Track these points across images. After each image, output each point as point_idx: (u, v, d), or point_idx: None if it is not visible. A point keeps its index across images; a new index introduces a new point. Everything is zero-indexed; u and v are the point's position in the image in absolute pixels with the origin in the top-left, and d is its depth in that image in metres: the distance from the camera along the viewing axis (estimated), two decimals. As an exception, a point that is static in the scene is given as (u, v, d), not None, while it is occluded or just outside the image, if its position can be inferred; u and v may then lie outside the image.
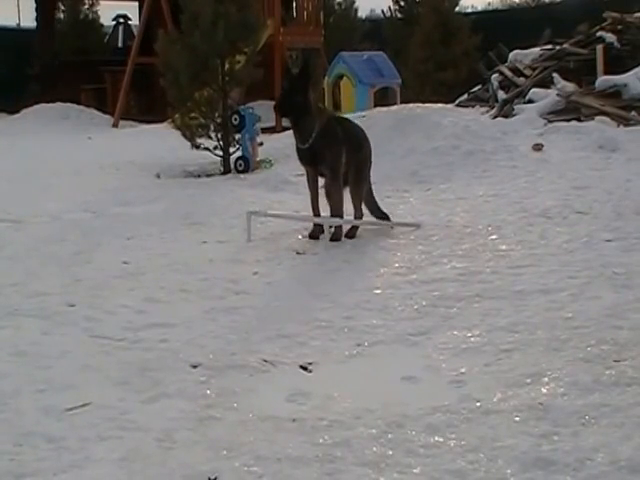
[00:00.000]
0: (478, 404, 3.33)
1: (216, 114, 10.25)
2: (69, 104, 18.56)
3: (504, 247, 5.80)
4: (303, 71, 6.41)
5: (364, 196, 6.57)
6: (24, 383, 3.65)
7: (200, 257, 5.86)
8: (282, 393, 3.54)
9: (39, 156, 11.94)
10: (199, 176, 9.94)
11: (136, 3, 20.63)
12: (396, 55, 17.46)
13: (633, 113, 9.89)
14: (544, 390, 3.43)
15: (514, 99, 11.05)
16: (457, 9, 20.27)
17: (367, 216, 6.64)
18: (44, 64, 19.97)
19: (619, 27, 11.69)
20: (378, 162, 9.07)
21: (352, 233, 6.38)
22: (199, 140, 10.24)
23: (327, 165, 6.35)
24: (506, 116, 10.61)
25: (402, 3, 23.78)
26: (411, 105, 11.14)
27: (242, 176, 9.60)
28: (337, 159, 6.39)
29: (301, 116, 6.32)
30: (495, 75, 12.12)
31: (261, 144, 10.61)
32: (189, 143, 10.30)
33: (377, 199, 6.72)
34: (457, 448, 2.99)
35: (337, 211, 6.35)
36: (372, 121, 10.29)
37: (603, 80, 10.56)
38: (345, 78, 15.02)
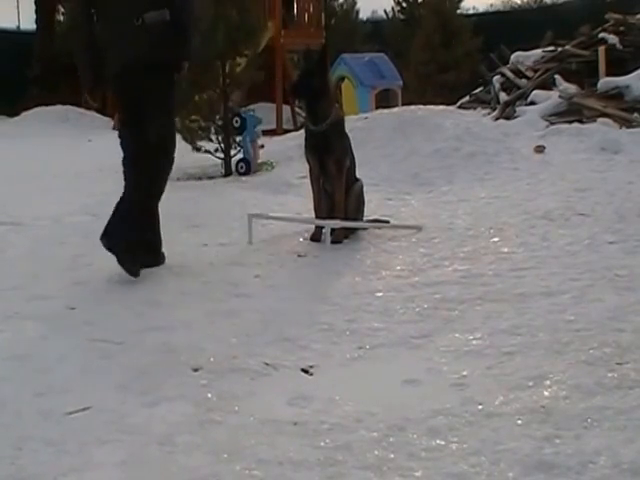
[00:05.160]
0: (480, 407, 3.32)
1: (217, 117, 10.26)
2: (69, 106, 18.58)
3: (506, 249, 5.79)
4: (323, 55, 6.42)
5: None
6: (24, 387, 3.64)
7: (201, 260, 5.85)
8: (283, 396, 3.52)
9: (39, 159, 11.95)
10: (200, 179, 9.94)
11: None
12: (397, 57, 17.51)
13: (635, 115, 9.88)
14: (546, 393, 3.42)
15: (516, 101, 11.04)
16: (459, 11, 20.31)
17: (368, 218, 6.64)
18: (44, 66, 19.99)
19: (621, 28, 11.68)
20: (379, 164, 9.11)
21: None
22: (200, 143, 10.25)
23: (335, 157, 6.29)
24: (508, 118, 10.61)
25: (404, 5, 23.82)
26: (412, 107, 11.14)
27: (243, 178, 9.60)
28: (345, 154, 6.36)
29: (318, 98, 6.29)
30: (497, 77, 12.12)
31: (262, 146, 10.61)
32: (190, 146, 10.31)
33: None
34: (459, 451, 2.97)
35: (339, 211, 6.33)
36: (373, 123, 10.31)
37: (605, 82, 10.55)
38: (346, 80, 15.04)
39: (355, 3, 26.03)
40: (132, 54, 5.29)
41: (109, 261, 5.75)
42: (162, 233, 6.68)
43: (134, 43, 5.27)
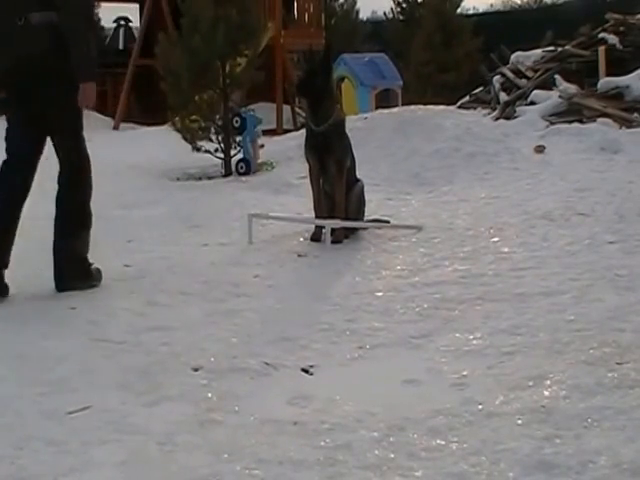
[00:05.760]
0: (480, 407, 3.32)
1: (217, 116, 10.26)
2: (70, 106, 18.54)
3: (506, 249, 5.79)
4: (326, 55, 6.42)
5: None
6: (24, 386, 3.64)
7: (201, 260, 5.85)
8: (283, 396, 3.53)
9: (40, 159, 11.92)
10: (200, 179, 9.93)
11: (137, 5, 20.64)
12: (398, 57, 17.49)
13: (635, 115, 9.87)
14: (546, 393, 3.42)
15: (516, 101, 11.03)
16: (459, 11, 20.30)
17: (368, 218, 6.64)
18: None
19: (621, 28, 11.66)
20: (380, 164, 9.11)
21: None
22: (200, 143, 10.25)
23: (336, 157, 6.30)
24: (508, 118, 10.59)
25: (404, 5, 23.80)
26: (413, 107, 11.13)
27: (243, 178, 9.59)
28: (346, 153, 6.37)
29: (321, 98, 6.30)
30: (497, 77, 12.10)
31: (262, 146, 10.61)
32: (190, 146, 10.31)
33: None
34: (459, 451, 2.97)
35: (340, 212, 6.32)
36: (374, 123, 10.30)
37: (605, 82, 10.54)
38: (346, 80, 15.03)
39: (355, 3, 25.99)
40: (14, 54, 4.97)
41: (109, 261, 5.76)
42: (162, 233, 6.69)
43: (16, 43, 4.93)
